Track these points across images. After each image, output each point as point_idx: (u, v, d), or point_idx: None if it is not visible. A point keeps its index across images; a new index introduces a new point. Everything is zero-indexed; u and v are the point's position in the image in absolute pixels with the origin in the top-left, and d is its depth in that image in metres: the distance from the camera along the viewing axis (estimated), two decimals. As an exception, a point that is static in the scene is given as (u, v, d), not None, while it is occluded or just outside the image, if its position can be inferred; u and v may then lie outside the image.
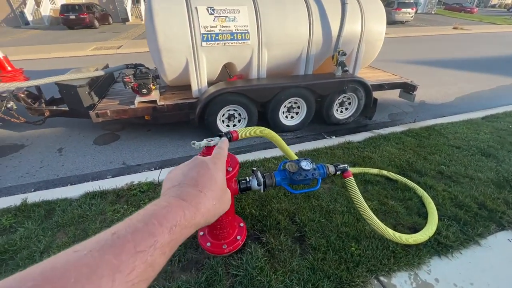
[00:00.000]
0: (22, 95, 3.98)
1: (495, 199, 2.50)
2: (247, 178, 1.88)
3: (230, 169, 1.65)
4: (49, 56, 10.62)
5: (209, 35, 3.51)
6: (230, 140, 1.68)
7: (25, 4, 20.51)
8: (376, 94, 5.23)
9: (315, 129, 4.45)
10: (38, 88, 4.24)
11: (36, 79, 3.97)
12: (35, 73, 6.55)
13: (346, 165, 1.98)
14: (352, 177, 1.95)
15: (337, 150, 3.44)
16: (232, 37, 3.60)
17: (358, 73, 4.74)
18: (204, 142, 1.56)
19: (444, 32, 16.56)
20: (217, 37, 3.55)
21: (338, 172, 2.00)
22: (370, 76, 5.04)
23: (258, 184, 1.76)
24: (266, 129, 1.96)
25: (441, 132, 3.84)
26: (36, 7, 20.95)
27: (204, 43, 3.52)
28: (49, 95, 4.44)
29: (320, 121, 4.51)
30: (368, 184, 2.77)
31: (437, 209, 2.37)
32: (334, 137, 4.08)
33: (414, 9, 20.84)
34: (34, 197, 2.69)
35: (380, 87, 4.68)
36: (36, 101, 4.15)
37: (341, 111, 4.48)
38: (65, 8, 18.19)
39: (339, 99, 4.27)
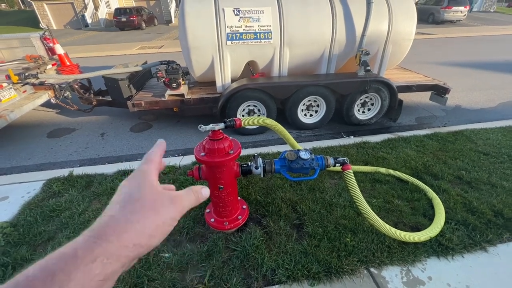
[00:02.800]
0: (76, 86, 4.66)
1: (515, 208, 2.34)
2: (249, 162, 2.07)
3: (232, 151, 1.85)
4: (102, 54, 11.97)
5: (233, 35, 3.76)
6: (233, 127, 1.89)
7: (86, 9, 23.19)
8: (404, 96, 5.05)
9: (335, 128, 4.46)
10: (88, 80, 4.91)
11: (87, 72, 4.63)
12: (90, 68, 7.51)
13: (345, 158, 2.07)
14: (351, 171, 2.02)
15: (351, 149, 3.45)
16: (255, 36, 3.81)
17: (385, 74, 4.62)
18: (210, 126, 1.80)
19: (501, 32, 14.84)
20: (241, 37, 3.79)
21: (338, 165, 2.09)
22: (398, 77, 4.87)
23: (256, 168, 1.94)
24: (269, 119, 2.14)
25: (470, 137, 3.60)
26: (94, 11, 23.56)
27: (229, 42, 3.79)
28: (97, 87, 5.11)
29: (340, 121, 4.50)
30: (377, 183, 2.77)
31: (446, 213, 2.31)
32: (352, 137, 4.06)
33: (468, 7, 18.94)
34: (78, 170, 3.20)
35: (408, 88, 4.50)
36: (87, 92, 4.82)
37: (363, 112, 4.42)
38: (118, 12, 20.17)
39: (361, 99, 4.23)
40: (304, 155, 1.99)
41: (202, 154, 1.84)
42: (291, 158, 2.00)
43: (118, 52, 12.15)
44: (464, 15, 18.95)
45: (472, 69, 7.74)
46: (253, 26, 3.77)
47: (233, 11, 3.69)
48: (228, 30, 3.73)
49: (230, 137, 1.99)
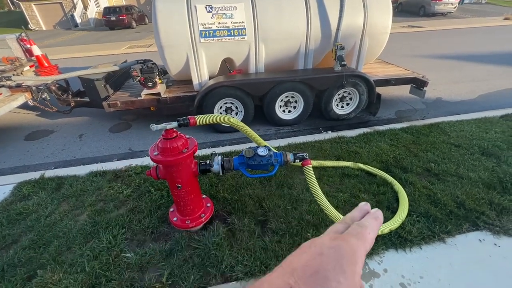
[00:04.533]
0: (54, 88, 4.61)
1: (478, 199, 2.36)
2: (207, 161, 2.07)
3: (186, 150, 1.84)
4: (89, 54, 11.83)
5: (207, 32, 3.73)
6: (187, 125, 1.88)
7: (75, 8, 22.88)
8: (385, 90, 5.06)
9: (314, 124, 4.46)
10: (66, 81, 4.86)
11: (64, 73, 4.58)
12: (75, 69, 7.42)
13: (305, 153, 2.07)
14: (310, 166, 2.03)
15: (325, 144, 3.46)
16: (229, 33, 3.79)
17: (364, 68, 4.62)
18: (162, 125, 1.79)
19: (491, 23, 14.85)
20: (214, 34, 3.76)
21: (297, 161, 2.10)
22: (378, 71, 4.87)
23: (210, 165, 1.94)
24: (228, 116, 2.13)
25: (444, 129, 3.62)
26: (84, 10, 23.25)
27: (202, 40, 3.76)
28: (76, 88, 5.05)
29: (320, 116, 4.50)
30: (346, 177, 2.78)
31: (410, 205, 2.33)
32: (330, 132, 4.07)
33: (458, -1, 18.95)
34: (50, 173, 3.18)
35: (386, 82, 4.50)
36: (65, 93, 4.77)
37: (342, 106, 4.42)
38: (107, 11, 19.90)
39: (338, 94, 4.23)
40: (262, 152, 1.99)
41: (156, 153, 1.83)
42: (248, 155, 2.00)
43: (106, 52, 12.01)
44: (455, 7, 18.95)
45: (458, 61, 7.75)
46: (226, 23, 3.74)
47: (206, 8, 3.66)
48: (201, 28, 3.70)
49: (187, 136, 1.98)
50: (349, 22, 3.99)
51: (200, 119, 1.92)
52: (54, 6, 23.24)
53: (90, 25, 23.22)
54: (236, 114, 4.16)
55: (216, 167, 1.99)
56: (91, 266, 1.95)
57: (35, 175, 3.16)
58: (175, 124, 1.83)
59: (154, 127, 1.75)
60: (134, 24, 20.80)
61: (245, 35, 3.83)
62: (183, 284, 1.83)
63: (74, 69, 7.95)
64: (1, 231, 2.32)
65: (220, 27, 3.73)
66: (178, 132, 1.88)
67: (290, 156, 2.06)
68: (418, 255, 1.95)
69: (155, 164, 1.95)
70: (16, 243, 2.22)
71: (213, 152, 2.06)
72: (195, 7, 3.64)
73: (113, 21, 19.78)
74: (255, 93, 3.96)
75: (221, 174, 2.05)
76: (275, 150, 2.06)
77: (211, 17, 3.69)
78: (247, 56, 4.04)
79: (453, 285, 1.74)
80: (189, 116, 1.89)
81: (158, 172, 1.99)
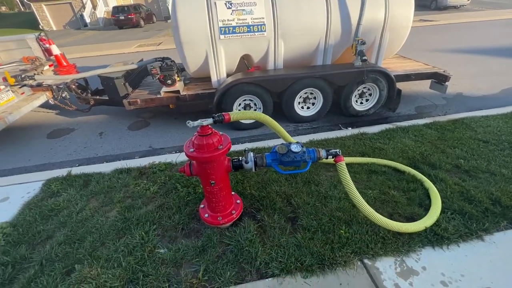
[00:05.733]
0: (74, 86, 4.68)
1: (514, 196, 2.29)
2: (240, 157, 2.07)
3: (221, 146, 1.84)
4: (101, 53, 11.98)
5: (226, 28, 3.72)
6: (221, 121, 1.88)
7: (84, 8, 23.14)
8: (404, 85, 4.96)
9: (333, 120, 4.41)
10: (85, 80, 4.93)
11: (84, 72, 4.64)
12: (88, 68, 7.52)
13: (338, 150, 2.04)
14: (343, 162, 2.00)
15: (348, 140, 3.42)
16: (248, 29, 3.76)
17: (383, 63, 4.54)
18: (198, 122, 1.79)
19: (506, 16, 14.39)
20: (234, 30, 3.74)
21: (330, 157, 2.07)
22: (397, 66, 4.79)
23: (246, 162, 1.94)
24: (260, 113, 2.12)
25: (470, 125, 3.53)
26: (93, 10, 23.49)
27: (222, 36, 3.75)
28: (94, 87, 5.12)
29: (338, 113, 4.46)
30: (373, 174, 2.74)
31: (443, 202, 2.28)
32: (350, 128, 4.02)
33: (472, -9, 18.41)
34: (77, 170, 3.24)
35: (407, 77, 4.42)
36: (84, 92, 4.84)
37: (361, 102, 4.36)
38: (116, 10, 20.09)
39: (358, 90, 4.17)
40: (295, 148, 1.98)
41: (191, 150, 1.83)
42: (282, 151, 1.99)
43: (117, 51, 12.14)
44: (468, 0, 18.43)
45: (475, 55, 7.56)
46: (246, 19, 3.71)
47: (225, 4, 3.64)
48: (221, 24, 3.69)
49: (221, 132, 1.98)
50: (370, 15, 3.91)
51: (234, 115, 1.92)
52: (64, 6, 23.56)
53: (99, 24, 23.46)
54: (255, 111, 4.14)
55: (250, 163, 1.99)
56: (127, 261, 1.98)
57: (61, 172, 3.21)
58: (210, 120, 1.83)
59: (191, 123, 1.76)
60: (142, 23, 20.95)
61: (265, 31, 3.80)
62: (219, 280, 1.83)
63: (87, 68, 8.05)
64: (36, 227, 2.37)
65: (240, 23, 3.71)
66: (213, 129, 1.88)
67: (323, 153, 2.04)
68: (456, 253, 1.91)
69: (179, 161, 1.95)
70: (51, 238, 2.27)
71: (246, 149, 2.06)
72: (215, 3, 3.62)
73: (121, 20, 19.96)
74: (274, 90, 3.94)
75: (253, 170, 2.05)
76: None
77: (231, 14, 3.67)
78: (266, 52, 4.01)
79: (496, 284, 1.70)
80: (223, 113, 1.89)
81: (191, 168, 2.00)
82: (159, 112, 5.03)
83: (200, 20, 3.62)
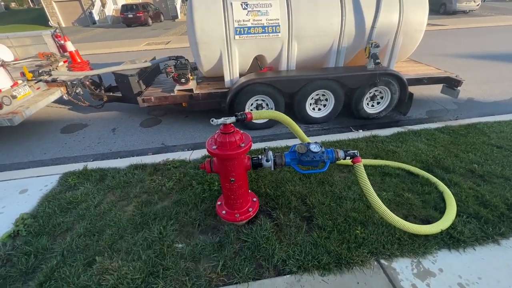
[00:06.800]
0: (87, 83, 4.76)
1: (530, 201, 2.30)
2: (259, 156, 2.10)
3: (243, 144, 1.88)
4: (110, 51, 12.10)
5: (242, 29, 3.76)
6: (244, 120, 1.92)
7: (93, 6, 23.37)
8: (415, 89, 4.96)
9: (343, 122, 4.43)
10: (99, 77, 5.00)
11: (98, 69, 4.71)
12: (99, 65, 7.62)
13: (356, 151, 2.07)
14: (361, 163, 2.02)
15: (360, 142, 3.44)
16: (263, 30, 3.80)
17: (395, 66, 4.55)
18: (222, 120, 1.83)
19: (517, 21, 14.30)
20: (249, 31, 3.78)
21: (348, 158, 2.10)
22: (409, 70, 4.79)
23: (267, 161, 1.97)
24: (280, 113, 2.15)
25: (482, 130, 3.53)
26: (102, 8, 23.73)
27: (237, 36, 3.79)
28: (107, 83, 5.19)
29: (349, 115, 4.47)
30: (387, 176, 2.76)
31: (458, 206, 2.30)
32: (361, 130, 4.04)
33: (482, -4, 18.30)
34: (92, 165, 3.30)
35: (418, 81, 4.42)
36: (97, 88, 4.91)
37: (372, 105, 4.38)
38: (124, 8, 20.29)
39: (370, 93, 4.18)
40: (314, 148, 2.01)
41: (214, 147, 1.87)
42: (301, 151, 2.02)
43: (126, 48, 12.27)
44: (478, 5, 18.33)
45: (486, 61, 7.52)
46: (261, 20, 3.75)
47: (241, 5, 3.68)
48: (236, 25, 3.73)
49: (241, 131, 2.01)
50: (384, 19, 3.93)
51: (256, 114, 1.96)
52: (73, 3, 23.81)
53: (107, 22, 23.69)
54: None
55: (269, 162, 2.02)
56: (147, 254, 2.02)
57: (77, 166, 3.27)
58: (233, 119, 1.87)
59: (215, 121, 1.80)
60: (150, 21, 21.12)
61: (279, 32, 3.84)
62: (237, 276, 1.87)
63: (98, 65, 8.15)
64: (55, 219, 2.42)
65: (255, 24, 3.75)
66: (235, 128, 1.92)
67: (341, 153, 2.06)
68: (473, 256, 1.92)
69: (205, 158, 1.99)
70: (71, 230, 2.32)
71: (266, 147, 2.09)
72: (231, 4, 3.66)
73: (130, 18, 20.15)
74: (287, 90, 3.97)
75: (272, 169, 2.08)
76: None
77: (247, 14, 3.71)
78: (279, 53, 4.05)
79: (513, 287, 1.71)
80: (245, 112, 1.92)
81: (212, 165, 2.04)
82: (170, 110, 5.08)
83: (216, 21, 3.67)
